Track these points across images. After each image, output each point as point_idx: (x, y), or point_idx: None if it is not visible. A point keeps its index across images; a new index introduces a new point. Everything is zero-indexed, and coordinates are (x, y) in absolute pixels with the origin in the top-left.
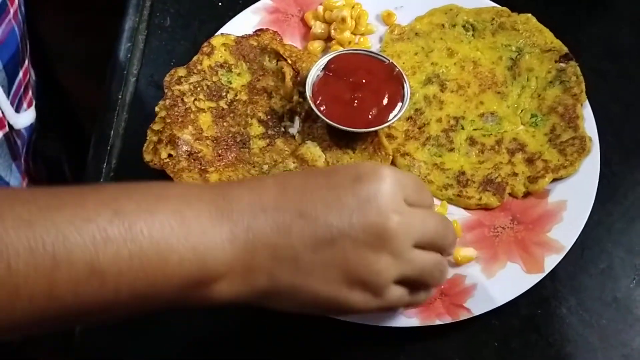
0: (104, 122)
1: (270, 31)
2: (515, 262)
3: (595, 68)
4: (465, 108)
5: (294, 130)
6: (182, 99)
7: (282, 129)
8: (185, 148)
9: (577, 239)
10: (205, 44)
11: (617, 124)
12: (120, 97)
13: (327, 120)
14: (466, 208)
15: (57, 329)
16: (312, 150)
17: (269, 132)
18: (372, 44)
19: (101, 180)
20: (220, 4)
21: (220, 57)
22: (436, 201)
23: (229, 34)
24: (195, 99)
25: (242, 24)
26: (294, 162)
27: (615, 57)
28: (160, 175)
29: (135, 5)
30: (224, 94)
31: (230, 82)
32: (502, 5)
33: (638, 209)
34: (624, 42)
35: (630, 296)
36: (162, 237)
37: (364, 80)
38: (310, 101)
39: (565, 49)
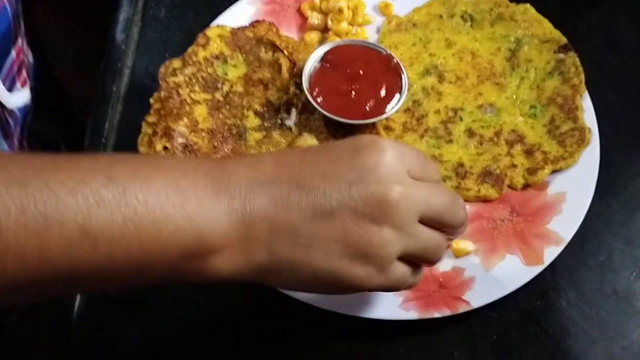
0: (99, 114)
1: (267, 22)
2: (514, 254)
3: (594, 59)
4: (464, 99)
5: (290, 122)
6: (177, 91)
7: (279, 121)
8: (180, 140)
9: (576, 231)
10: (201, 35)
11: (616, 116)
12: (114, 89)
13: (324, 112)
14: (465, 200)
15: (54, 295)
16: (309, 142)
17: (265, 124)
18: (369, 34)
19: None
20: None
21: (216, 48)
22: None
23: (225, 25)
24: (190, 91)
25: (237, 15)
26: None
27: (615, 48)
28: None
29: None
30: (220, 85)
31: (226, 74)
32: None
33: (637, 201)
34: (624, 33)
35: (629, 288)
36: (157, 204)
37: (361, 72)
38: (307, 93)
39: (564, 40)
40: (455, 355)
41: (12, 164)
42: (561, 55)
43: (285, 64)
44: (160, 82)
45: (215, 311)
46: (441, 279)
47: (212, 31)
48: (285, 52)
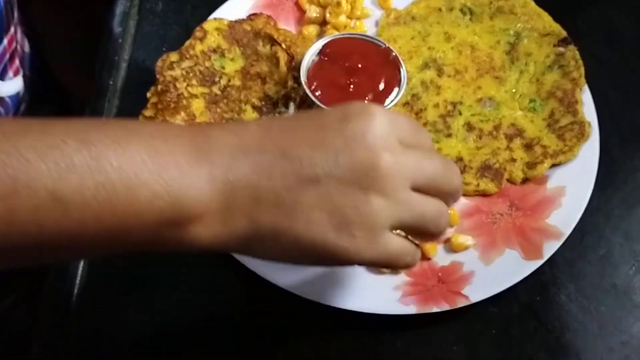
0: (96, 108)
1: (264, 15)
2: (513, 248)
3: (594, 54)
4: (463, 93)
5: (288, 116)
6: (174, 85)
7: (277, 115)
8: None
9: (576, 225)
10: (198, 28)
11: (616, 110)
12: (111, 82)
13: (323, 106)
14: (464, 194)
15: (26, 262)
16: None
17: (263, 118)
18: (367, 28)
19: None
20: None
21: (213, 42)
22: None
23: (222, 19)
24: (187, 85)
25: (235, 8)
26: None
27: (615, 42)
28: None
29: None
30: (217, 79)
31: (223, 68)
32: None
33: (637, 195)
34: (624, 29)
35: (629, 282)
36: (132, 170)
37: (359, 65)
38: (305, 86)
39: (564, 33)
40: (455, 349)
41: None
42: (561, 49)
43: (283, 58)
44: (158, 75)
45: (214, 304)
46: (440, 274)
47: (209, 24)
48: (283, 45)
